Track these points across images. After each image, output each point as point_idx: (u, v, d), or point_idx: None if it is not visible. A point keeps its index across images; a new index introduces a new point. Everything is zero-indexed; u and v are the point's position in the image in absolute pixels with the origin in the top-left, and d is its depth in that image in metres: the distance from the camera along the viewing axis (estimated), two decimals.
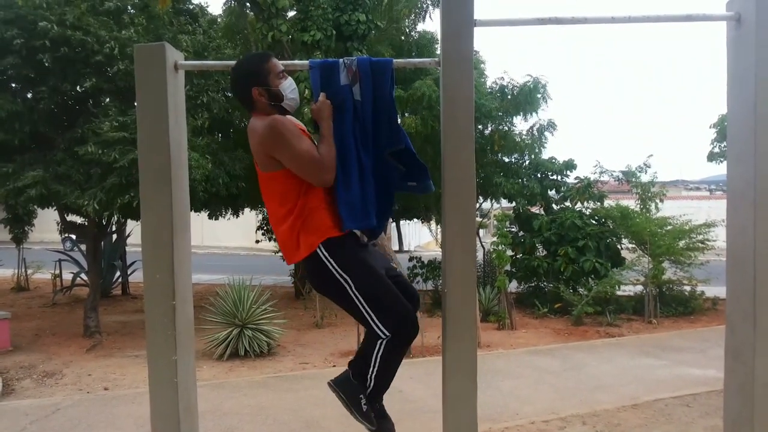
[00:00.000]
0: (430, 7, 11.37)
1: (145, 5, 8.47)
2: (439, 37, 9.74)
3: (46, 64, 7.49)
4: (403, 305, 2.56)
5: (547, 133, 11.13)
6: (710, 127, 12.77)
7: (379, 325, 2.51)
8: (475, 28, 2.45)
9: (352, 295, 2.51)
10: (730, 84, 2.55)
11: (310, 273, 2.61)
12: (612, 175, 12.31)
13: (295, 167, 2.45)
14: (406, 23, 11.69)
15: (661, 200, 11.60)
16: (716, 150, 12.69)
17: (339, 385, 2.64)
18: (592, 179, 12.02)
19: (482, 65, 11.42)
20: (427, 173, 2.68)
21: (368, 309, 2.51)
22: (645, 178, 11.76)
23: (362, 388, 2.59)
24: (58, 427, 5.29)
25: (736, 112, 2.53)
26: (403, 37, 11.80)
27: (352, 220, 2.52)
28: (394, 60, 2.57)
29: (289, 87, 2.54)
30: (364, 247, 2.64)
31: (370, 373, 2.56)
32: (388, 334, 2.50)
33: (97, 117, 7.68)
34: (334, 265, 2.51)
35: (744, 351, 2.46)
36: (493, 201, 12.45)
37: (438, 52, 11.32)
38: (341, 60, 2.52)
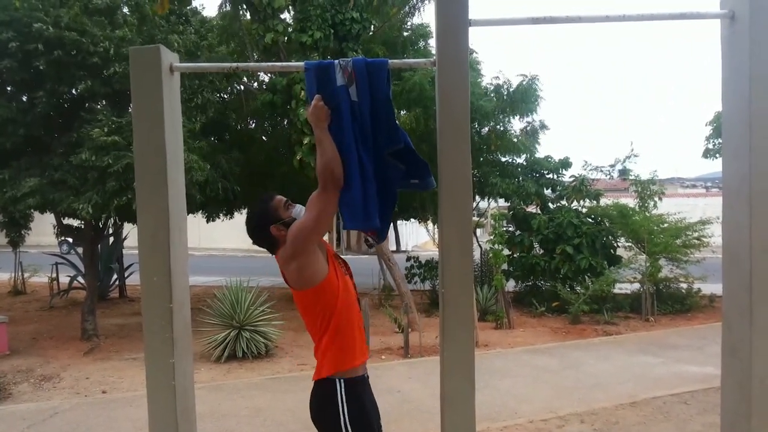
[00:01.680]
0: (420, 3, 11.36)
1: (138, 5, 8.45)
2: (431, 32, 9.70)
3: (41, 68, 7.45)
4: None
5: (540, 133, 11.19)
6: (706, 125, 12.81)
7: None
8: (470, 28, 2.46)
9: None
10: (724, 81, 2.56)
11: (317, 400, 2.61)
12: (602, 170, 12.34)
13: (323, 218, 2.48)
14: (398, 18, 11.67)
15: (660, 198, 11.62)
16: (712, 147, 12.73)
17: None
18: (586, 177, 12.04)
19: (478, 66, 11.42)
20: (429, 170, 2.68)
21: None
22: (643, 174, 11.80)
23: None
24: (56, 430, 5.28)
25: (731, 109, 2.53)
26: (395, 34, 11.79)
27: (354, 221, 2.52)
28: (390, 61, 2.57)
29: (299, 211, 2.62)
30: (371, 397, 2.67)
31: None
32: None
33: (90, 123, 7.65)
34: (345, 410, 2.52)
35: (741, 347, 2.46)
36: (490, 200, 12.45)
37: (431, 48, 11.37)
38: (337, 61, 2.52)
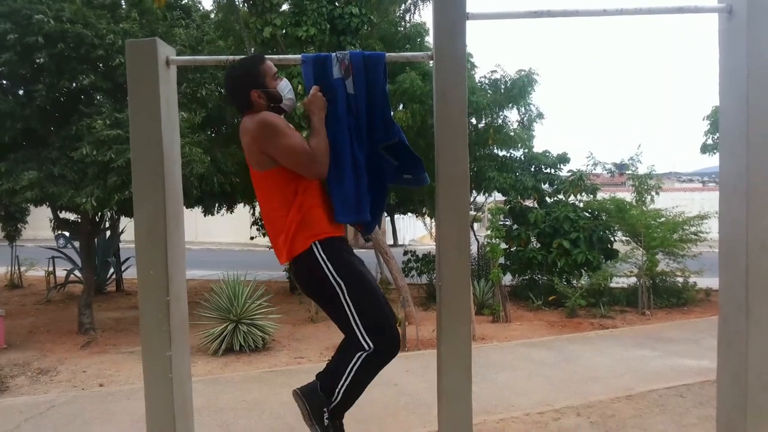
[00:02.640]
0: (420, 1, 11.34)
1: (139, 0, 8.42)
2: (429, 29, 9.58)
3: (41, 61, 7.39)
4: (391, 323, 2.55)
5: (535, 124, 11.19)
6: (703, 119, 12.81)
7: (366, 336, 2.47)
8: (468, 22, 2.45)
9: (343, 301, 2.47)
10: (722, 76, 2.56)
11: (300, 271, 2.56)
12: (605, 167, 12.34)
13: (287, 160, 2.44)
14: (397, 15, 11.65)
15: (657, 192, 11.63)
16: (709, 142, 12.74)
17: (305, 395, 2.58)
18: (584, 172, 12.04)
19: (471, 59, 11.41)
20: (422, 166, 2.68)
21: (357, 319, 2.47)
22: (642, 170, 11.78)
23: (327, 401, 2.53)
24: (53, 424, 5.28)
25: (728, 104, 2.54)
26: (393, 30, 11.76)
27: (346, 214, 2.52)
28: (387, 54, 2.57)
29: (286, 87, 2.57)
30: (355, 255, 2.62)
31: (339, 385, 2.50)
32: (372, 346, 2.47)
33: (90, 116, 7.62)
34: (330, 266, 2.47)
35: (737, 341, 2.47)
36: (487, 194, 12.46)
37: (428, 45, 11.30)
38: (334, 54, 2.52)
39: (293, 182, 2.49)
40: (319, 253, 2.48)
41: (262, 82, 2.52)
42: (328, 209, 2.56)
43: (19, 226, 12.95)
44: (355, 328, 2.48)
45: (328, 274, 2.47)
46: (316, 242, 2.48)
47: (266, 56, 2.62)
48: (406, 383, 6.36)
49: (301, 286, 2.63)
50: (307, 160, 2.43)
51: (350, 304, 2.47)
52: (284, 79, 2.60)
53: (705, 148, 12.94)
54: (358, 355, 2.47)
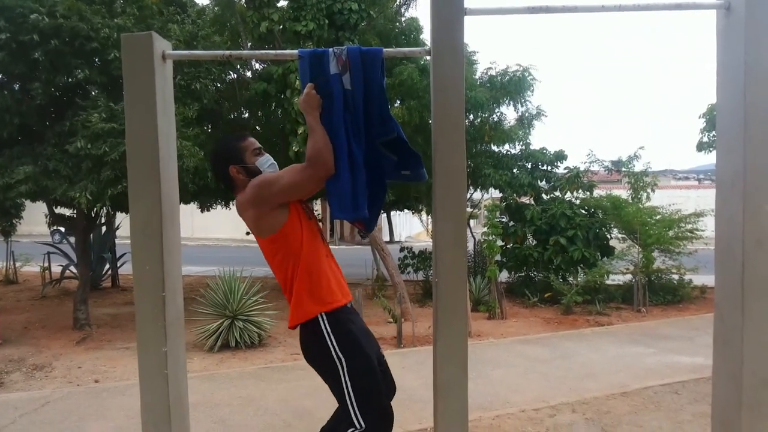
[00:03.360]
0: None
1: None
2: (425, 25, 9.53)
3: (37, 58, 7.35)
4: (386, 404, 2.65)
5: (536, 122, 11.19)
6: (699, 117, 12.83)
7: (359, 416, 2.52)
8: (466, 17, 2.44)
9: (342, 377, 2.51)
10: (719, 73, 2.56)
11: (304, 339, 2.60)
12: (603, 164, 12.35)
13: (296, 192, 2.50)
14: (393, 9, 11.62)
15: (653, 190, 11.65)
16: (705, 139, 12.75)
17: None
18: (581, 169, 12.05)
19: (473, 56, 11.40)
20: (421, 161, 2.67)
21: (353, 397, 2.52)
22: (638, 167, 11.79)
23: None
24: (48, 419, 5.27)
25: (725, 102, 2.53)
26: (389, 26, 11.74)
27: (342, 211, 2.51)
28: (384, 49, 2.55)
29: (266, 162, 2.62)
30: (360, 324, 2.67)
31: None
32: (363, 426, 2.52)
33: (85, 110, 7.59)
34: (333, 340, 2.51)
35: (733, 338, 2.48)
36: (484, 191, 12.46)
37: (424, 40, 11.29)
38: (331, 49, 2.50)
39: (295, 247, 2.53)
40: (325, 325, 2.51)
41: (240, 158, 2.59)
42: (334, 275, 2.62)
43: (14, 221, 12.88)
44: (349, 405, 2.52)
45: (331, 347, 2.50)
46: (323, 314, 2.52)
47: (246, 132, 2.71)
48: (402, 379, 6.32)
49: (303, 353, 2.64)
50: (308, 176, 2.45)
51: (347, 381, 2.51)
52: (266, 154, 2.65)
53: (701, 146, 12.94)
54: (351, 431, 2.53)
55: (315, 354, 2.58)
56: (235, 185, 2.63)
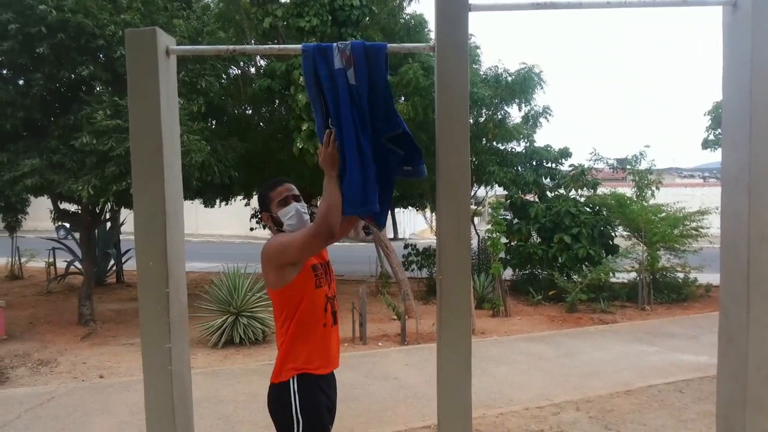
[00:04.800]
0: None
1: None
2: (428, 21, 9.52)
3: (42, 51, 7.39)
4: None
5: (542, 119, 11.16)
6: (705, 114, 12.77)
7: None
8: (470, 13, 2.43)
9: None
10: (725, 69, 2.54)
11: (271, 392, 2.66)
12: (607, 162, 12.32)
13: (305, 252, 2.56)
14: (395, 3, 11.60)
15: (657, 188, 11.61)
16: (711, 137, 12.70)
17: None
18: (586, 167, 12.02)
19: (477, 50, 11.37)
20: (422, 157, 2.67)
21: None
22: (642, 165, 11.75)
23: None
24: (53, 414, 5.29)
25: (731, 98, 2.51)
26: (392, 21, 11.72)
27: (353, 206, 2.49)
28: (389, 45, 2.54)
29: (287, 214, 2.68)
30: (327, 400, 2.68)
31: None
32: None
33: (90, 105, 7.62)
34: (297, 400, 2.57)
35: (737, 335, 2.46)
36: (488, 189, 12.44)
37: (428, 36, 11.24)
38: (335, 44, 2.49)
39: (293, 306, 2.61)
40: (293, 385, 2.58)
41: (268, 207, 2.74)
42: (325, 345, 2.67)
43: (19, 217, 12.95)
44: None
45: (293, 407, 2.57)
46: (295, 376, 2.59)
47: (283, 179, 2.83)
48: (405, 376, 6.36)
49: (268, 405, 2.69)
50: (314, 236, 2.49)
51: None
52: (291, 204, 2.71)
53: (706, 144, 12.89)
54: None
55: (276, 407, 2.64)
56: (271, 228, 2.79)
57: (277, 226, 2.72)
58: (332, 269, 2.86)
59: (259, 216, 2.84)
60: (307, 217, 2.74)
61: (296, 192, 2.78)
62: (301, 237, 2.53)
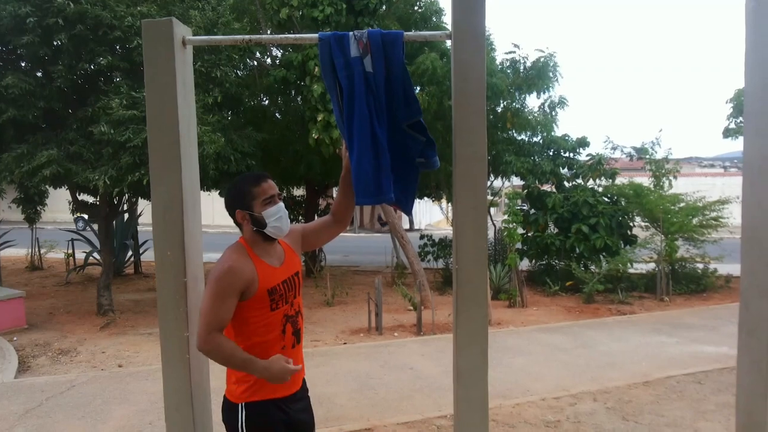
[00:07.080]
0: None
1: None
2: (443, 9, 9.38)
3: (61, 43, 7.47)
4: None
5: (558, 109, 11.06)
6: (726, 102, 12.58)
7: None
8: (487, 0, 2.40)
9: None
10: (748, 56, 2.49)
11: (223, 405, 2.47)
12: (623, 151, 12.18)
13: (201, 308, 2.28)
14: None
15: (675, 177, 11.48)
16: (732, 126, 12.51)
17: None
18: (603, 156, 11.90)
19: (491, 37, 11.27)
20: (435, 149, 2.64)
21: None
22: (660, 154, 11.62)
23: None
24: (74, 403, 5.36)
25: (754, 85, 2.47)
26: (409, 10, 11.65)
27: (366, 196, 2.48)
28: (405, 33, 2.52)
29: (274, 215, 2.36)
30: (284, 413, 2.45)
31: None
32: None
33: (107, 95, 7.68)
34: (244, 427, 2.36)
35: (758, 326, 2.43)
36: (504, 179, 12.36)
37: (444, 25, 11.12)
38: (351, 33, 2.48)
39: (242, 325, 2.35)
40: (242, 415, 2.38)
41: (249, 204, 2.37)
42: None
43: (38, 208, 13.12)
44: None
45: (240, 429, 2.37)
46: (244, 404, 2.38)
47: (265, 175, 2.46)
48: (421, 367, 6.36)
49: (223, 419, 2.49)
50: (203, 323, 2.23)
51: None
52: (278, 204, 2.40)
53: (727, 133, 12.70)
54: None
55: (226, 421, 2.44)
56: (241, 229, 2.45)
57: (257, 227, 2.39)
58: (299, 279, 2.57)
59: (231, 214, 2.49)
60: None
61: (278, 190, 2.47)
62: (207, 314, 2.23)
